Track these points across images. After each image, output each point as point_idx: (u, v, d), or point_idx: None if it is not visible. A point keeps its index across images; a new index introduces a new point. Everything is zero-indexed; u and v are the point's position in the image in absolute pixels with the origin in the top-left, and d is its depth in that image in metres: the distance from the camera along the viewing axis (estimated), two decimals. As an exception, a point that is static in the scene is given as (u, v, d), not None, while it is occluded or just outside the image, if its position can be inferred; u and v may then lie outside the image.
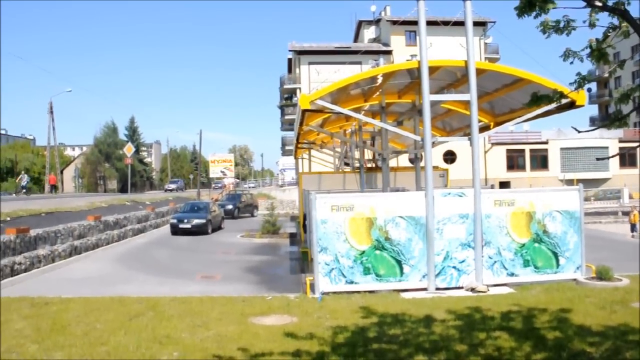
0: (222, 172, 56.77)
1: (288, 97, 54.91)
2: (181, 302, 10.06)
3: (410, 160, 26.36)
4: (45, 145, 56.00)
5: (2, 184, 78.26)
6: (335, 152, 25.99)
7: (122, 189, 56.22)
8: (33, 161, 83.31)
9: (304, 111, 12.32)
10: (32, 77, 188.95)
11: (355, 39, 55.34)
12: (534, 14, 4.59)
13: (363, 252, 10.74)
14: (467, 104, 11.67)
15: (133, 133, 74.66)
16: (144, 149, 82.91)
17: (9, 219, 15.87)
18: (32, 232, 15.01)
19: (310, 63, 47.00)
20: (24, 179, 40.12)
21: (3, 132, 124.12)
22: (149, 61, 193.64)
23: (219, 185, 62.33)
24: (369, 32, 52.15)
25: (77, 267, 15.85)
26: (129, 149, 38.66)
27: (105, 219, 21.07)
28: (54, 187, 48.23)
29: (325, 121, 18.01)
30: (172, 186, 63.14)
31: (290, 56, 51.99)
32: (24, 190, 38.33)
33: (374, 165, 22.41)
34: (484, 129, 14.91)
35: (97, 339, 7.43)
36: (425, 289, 10.67)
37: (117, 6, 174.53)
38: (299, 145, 22.80)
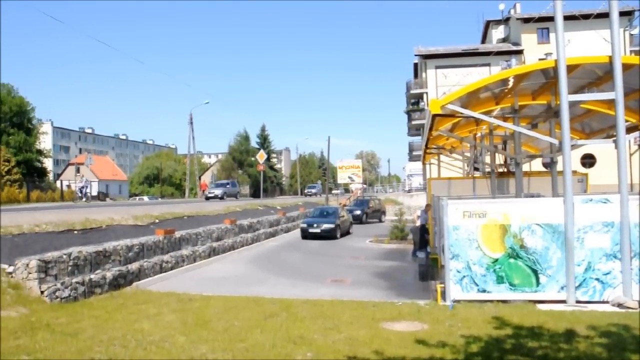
0: (349, 177, 57.53)
1: (414, 102, 54.35)
2: (313, 305, 10.35)
3: (544, 165, 24.95)
4: (186, 154, 60.28)
5: (149, 189, 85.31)
6: (464, 157, 25.28)
7: (255, 194, 58.99)
8: (175, 168, 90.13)
9: (434, 116, 12.14)
10: (175, 92, 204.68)
11: (483, 40, 53.51)
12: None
13: (496, 260, 10.36)
14: (610, 103, 10.85)
15: (264, 141, 78.08)
16: (274, 155, 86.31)
17: (157, 221, 17.31)
18: (177, 234, 16.25)
19: (437, 67, 46.19)
20: (83, 183, 38.59)
21: (150, 142, 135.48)
22: (278, 69, 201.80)
23: (338, 192, 64.27)
24: (498, 32, 50.17)
25: (215, 267, 16.89)
26: (261, 156, 40.48)
27: (240, 222, 22.24)
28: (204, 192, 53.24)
29: (454, 126, 17.60)
30: (312, 190, 67.51)
31: (416, 61, 51.46)
32: (83, 196, 36.84)
33: (505, 170, 21.47)
34: (630, 129, 13.75)
35: (236, 335, 7.88)
36: (564, 302, 10.04)
37: (249, 16, 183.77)
38: (428, 151, 22.47)
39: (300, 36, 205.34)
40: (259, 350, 7.05)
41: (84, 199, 35.87)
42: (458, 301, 10.23)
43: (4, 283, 9.45)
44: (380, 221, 37.73)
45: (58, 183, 55.47)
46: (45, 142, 71.94)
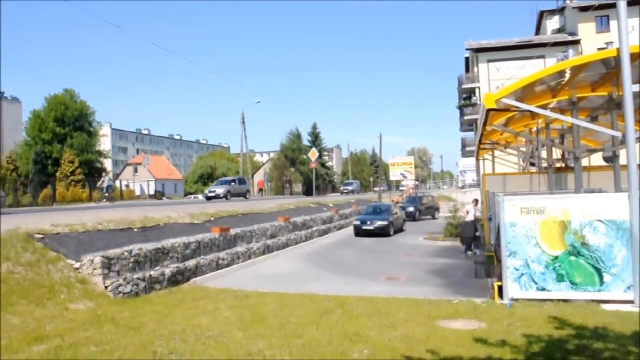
0: (402, 174, 57.08)
1: (466, 97, 53.33)
2: (368, 302, 10.35)
3: (605, 159, 24.03)
4: (238, 153, 61.21)
5: (203, 187, 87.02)
6: (519, 152, 24.65)
7: (307, 192, 59.23)
8: (228, 167, 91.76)
9: (488, 110, 11.89)
10: (227, 92, 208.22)
11: (537, 32, 51.90)
12: None
13: (556, 257, 10.06)
14: (679, 93, 10.35)
15: (315, 138, 78.33)
16: (325, 153, 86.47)
17: (212, 218, 17.67)
18: (232, 232, 16.54)
19: (489, 60, 45.11)
20: (106, 182, 35.91)
21: (203, 141, 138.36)
22: (329, 67, 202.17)
23: (382, 189, 61.28)
24: (552, 23, 48.52)
25: (270, 264, 17.10)
26: (313, 154, 40.63)
27: (293, 220, 22.44)
28: (261, 190, 55.27)
29: (509, 120, 17.18)
30: (348, 188, 60.73)
31: (467, 55, 50.48)
32: (106, 195, 34.65)
33: (563, 165, 20.85)
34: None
35: (292, 331, 7.96)
36: (630, 302, 9.64)
37: (300, 15, 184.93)
38: (482, 146, 22.05)
39: (351, 35, 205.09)
40: (316, 347, 7.10)
41: (105, 199, 34.00)
42: (516, 300, 10.00)
43: (72, 278, 9.87)
44: (434, 218, 37.29)
45: (117, 183, 57.33)
46: (104, 143, 74.70)
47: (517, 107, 11.91)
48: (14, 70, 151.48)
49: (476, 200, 20.67)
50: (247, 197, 39.08)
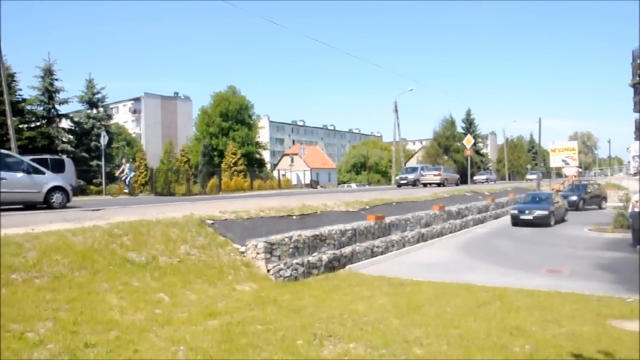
0: (563, 161, 53.25)
1: (643, 72, 48.19)
2: (527, 295, 9.88)
3: None
4: (391, 141, 61.32)
5: (357, 176, 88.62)
6: None
7: (462, 180, 57.72)
8: (381, 156, 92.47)
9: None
10: (379, 81, 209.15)
11: None
12: None
13: None
14: None
15: (470, 125, 76.13)
16: (480, 140, 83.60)
17: (367, 207, 17.96)
18: (387, 220, 16.66)
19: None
20: (126, 170, 27.79)
21: (356, 131, 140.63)
22: (483, 51, 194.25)
23: (534, 177, 57.43)
24: None
25: (424, 253, 16.95)
26: (468, 141, 39.37)
27: (448, 208, 22.02)
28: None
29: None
30: (482, 177, 58.42)
31: (644, 26, 45.43)
32: (127, 186, 27.60)
33: None
34: None
35: (449, 321, 7.85)
36: None
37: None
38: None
39: (506, 11, 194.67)
40: (474, 338, 6.94)
41: (126, 189, 27.55)
42: None
43: (238, 261, 10.66)
44: (600, 208, 34.34)
45: (275, 172, 60.54)
46: (263, 135, 79.22)
47: None
48: (184, 71, 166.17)
49: None
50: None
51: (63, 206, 15.08)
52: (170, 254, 9.80)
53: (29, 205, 14.68)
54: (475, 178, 59.63)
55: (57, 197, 15.07)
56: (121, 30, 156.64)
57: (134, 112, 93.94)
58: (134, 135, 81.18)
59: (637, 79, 48.95)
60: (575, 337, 7.04)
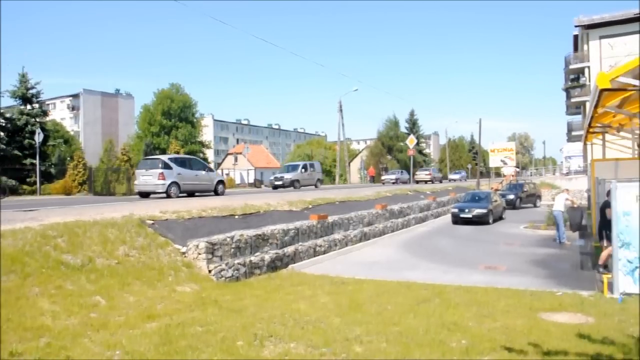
0: (502, 161, 55.02)
1: (574, 78, 50.20)
2: (466, 291, 10.15)
3: None
4: (335, 141, 61.77)
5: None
6: (634, 135, 22.98)
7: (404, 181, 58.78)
8: (325, 155, 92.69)
9: (602, 91, 11.17)
10: (324, 81, 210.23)
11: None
12: None
13: (675, 249, 9.33)
14: None
15: (413, 125, 77.41)
16: (423, 140, 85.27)
17: (310, 206, 17.99)
18: (330, 219, 16.74)
19: (601, 37, 41.98)
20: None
21: (301, 130, 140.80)
22: (426, 52, 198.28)
23: (457, 175, 65.30)
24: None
25: (366, 251, 17.13)
26: (411, 141, 39.91)
27: (390, 207, 22.32)
28: (372, 178, 57.27)
29: (623, 101, 16.02)
30: (456, 176, 65.59)
31: (576, 32, 47.42)
32: None
33: (685, 149, 19.22)
34: None
35: (389, 319, 7.96)
36: None
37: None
38: (591, 130, 20.77)
39: (447, 16, 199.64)
40: (413, 335, 7.06)
41: None
42: (629, 294, 9.38)
43: (179, 262, 10.46)
44: (535, 206, 35.77)
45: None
46: (206, 134, 78.08)
47: (635, 85, 11.07)
48: (127, 68, 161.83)
49: (567, 190, 20.14)
50: (317, 186, 35.39)
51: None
52: (107, 255, 9.51)
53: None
54: (450, 176, 63.90)
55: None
56: (61, 25, 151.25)
57: (73, 109, 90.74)
58: (72, 133, 78.30)
59: (569, 83, 51.07)
60: (509, 330, 7.28)
